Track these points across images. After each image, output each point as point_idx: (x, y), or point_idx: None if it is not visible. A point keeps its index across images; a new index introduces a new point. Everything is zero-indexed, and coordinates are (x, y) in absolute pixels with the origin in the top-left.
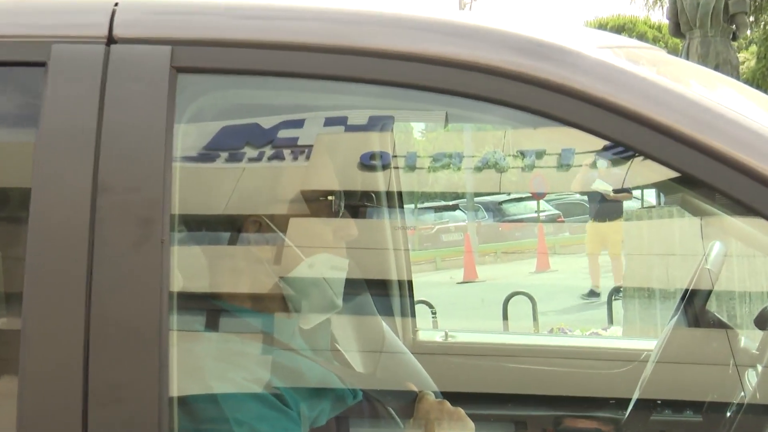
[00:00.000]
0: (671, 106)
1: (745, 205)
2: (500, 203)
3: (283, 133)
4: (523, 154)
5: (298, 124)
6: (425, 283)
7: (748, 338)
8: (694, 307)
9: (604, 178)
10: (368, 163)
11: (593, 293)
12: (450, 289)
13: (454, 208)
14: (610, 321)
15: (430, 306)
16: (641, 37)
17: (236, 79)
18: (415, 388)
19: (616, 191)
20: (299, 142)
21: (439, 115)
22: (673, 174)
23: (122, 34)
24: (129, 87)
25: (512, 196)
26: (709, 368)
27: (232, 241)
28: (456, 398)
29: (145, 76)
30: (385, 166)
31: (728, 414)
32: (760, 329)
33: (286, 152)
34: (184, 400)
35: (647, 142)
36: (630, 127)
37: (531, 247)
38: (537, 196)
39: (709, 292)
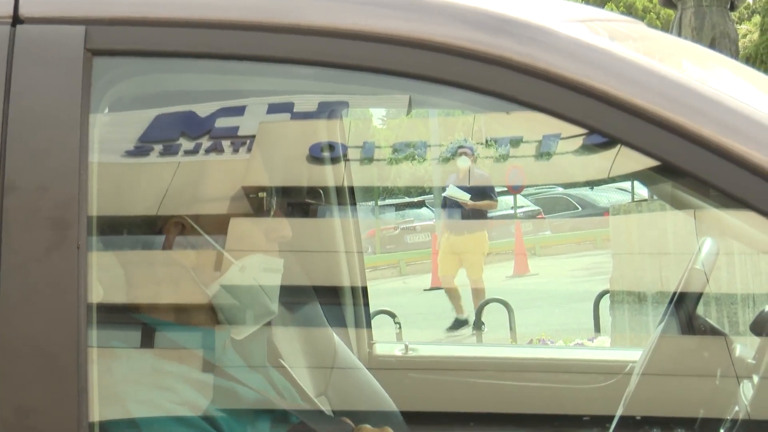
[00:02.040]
0: (651, 87)
1: (733, 197)
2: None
3: (215, 123)
4: (496, 142)
5: (236, 111)
6: (388, 291)
7: (744, 346)
8: (683, 312)
9: (460, 181)
10: (318, 155)
11: (459, 322)
12: (416, 296)
13: (420, 205)
14: (597, 330)
15: (393, 316)
16: (630, 7)
17: (160, 62)
18: (350, 423)
19: (474, 198)
20: (235, 133)
21: (400, 101)
22: (654, 163)
23: (29, 13)
24: (38, 73)
25: None
26: (699, 380)
27: (157, 246)
28: (419, 419)
29: (56, 60)
30: (338, 159)
31: (721, 431)
32: (756, 335)
33: (222, 144)
34: (106, 426)
35: (624, 128)
36: (604, 111)
37: (507, 248)
38: (513, 191)
39: (700, 295)
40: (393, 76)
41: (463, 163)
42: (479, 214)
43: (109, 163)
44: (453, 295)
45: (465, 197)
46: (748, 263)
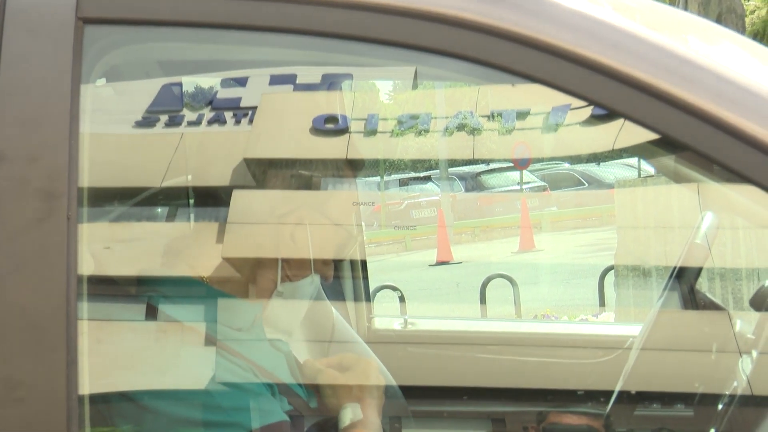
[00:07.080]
0: (646, 57)
1: (733, 170)
2: (478, 174)
3: (215, 94)
4: (502, 115)
5: (236, 83)
6: (393, 266)
7: (744, 321)
8: (683, 287)
9: None
10: (321, 127)
11: None
12: (421, 271)
13: (426, 179)
14: (602, 305)
15: (397, 290)
16: None
17: (152, 31)
18: None
19: None
20: (237, 104)
21: (405, 72)
22: (652, 136)
23: None
24: (28, 41)
25: (492, 166)
26: (698, 355)
27: (152, 218)
28: (420, 393)
29: (47, 28)
30: (341, 131)
31: (719, 406)
32: (756, 310)
33: (225, 115)
34: (96, 399)
35: (620, 99)
36: (602, 82)
37: (513, 223)
38: (520, 166)
39: (700, 270)
40: (390, 47)
41: None
42: None
43: (101, 134)
44: None
45: None
46: (753, 238)
